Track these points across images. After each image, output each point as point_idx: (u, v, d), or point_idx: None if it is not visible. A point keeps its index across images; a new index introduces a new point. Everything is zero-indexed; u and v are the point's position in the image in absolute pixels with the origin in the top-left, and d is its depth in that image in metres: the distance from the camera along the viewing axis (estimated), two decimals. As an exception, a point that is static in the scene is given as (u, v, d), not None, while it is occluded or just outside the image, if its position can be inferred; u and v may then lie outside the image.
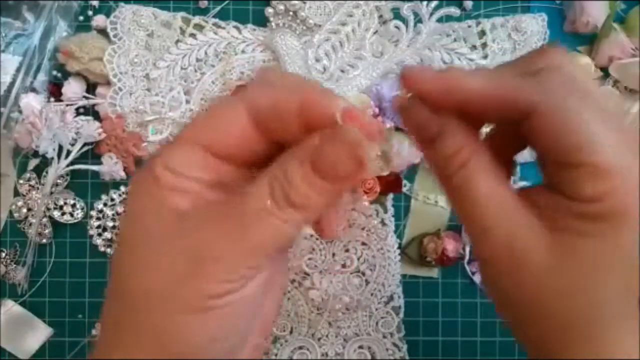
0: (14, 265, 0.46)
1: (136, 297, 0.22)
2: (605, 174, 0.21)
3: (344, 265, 0.45)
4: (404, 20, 0.46)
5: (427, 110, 0.23)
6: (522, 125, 0.22)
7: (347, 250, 0.46)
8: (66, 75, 0.46)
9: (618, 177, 0.21)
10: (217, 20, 0.47)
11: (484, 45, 0.46)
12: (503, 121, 0.24)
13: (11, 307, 0.46)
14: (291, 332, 0.46)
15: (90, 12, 0.47)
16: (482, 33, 0.46)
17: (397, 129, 0.45)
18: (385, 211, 0.46)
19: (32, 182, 0.46)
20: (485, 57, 0.46)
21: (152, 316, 0.21)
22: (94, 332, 0.46)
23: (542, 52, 0.23)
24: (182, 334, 0.21)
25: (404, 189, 0.46)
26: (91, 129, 0.44)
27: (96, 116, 0.46)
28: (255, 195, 0.21)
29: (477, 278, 0.46)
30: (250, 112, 0.22)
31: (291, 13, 0.46)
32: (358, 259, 0.46)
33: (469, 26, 0.46)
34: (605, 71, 0.46)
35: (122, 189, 0.46)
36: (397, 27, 0.46)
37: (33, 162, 0.46)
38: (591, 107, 0.21)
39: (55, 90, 0.46)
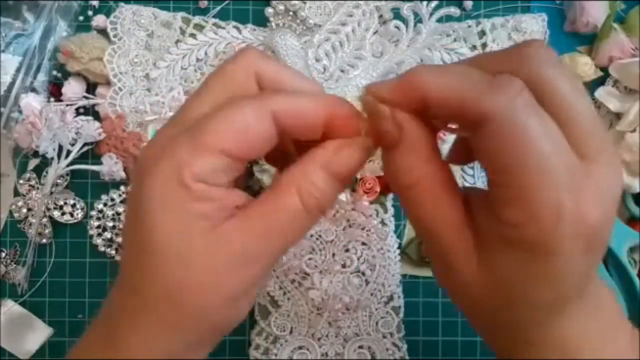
0: (14, 265, 0.46)
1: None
2: (528, 201, 0.20)
3: (344, 265, 0.45)
4: (404, 20, 0.45)
5: (386, 117, 0.24)
6: (473, 134, 0.22)
7: (347, 250, 0.46)
8: (66, 75, 0.46)
9: (542, 209, 0.20)
10: (217, 20, 0.47)
11: (484, 45, 0.46)
12: (460, 124, 0.24)
13: (11, 307, 0.46)
14: (291, 332, 0.46)
15: (90, 12, 0.47)
16: (482, 33, 0.46)
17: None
18: (385, 211, 0.46)
19: (32, 182, 0.46)
20: (485, 57, 0.46)
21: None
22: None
23: (518, 53, 0.22)
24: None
25: (404, 189, 0.46)
26: (91, 129, 0.44)
27: (96, 116, 0.46)
28: (287, 204, 0.24)
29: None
30: (275, 120, 0.24)
31: (291, 13, 0.46)
32: (358, 259, 0.46)
33: (469, 26, 0.46)
34: (605, 71, 0.46)
35: (122, 189, 0.46)
36: (397, 27, 0.46)
37: (33, 162, 0.46)
38: (543, 128, 0.21)
39: (55, 90, 0.46)
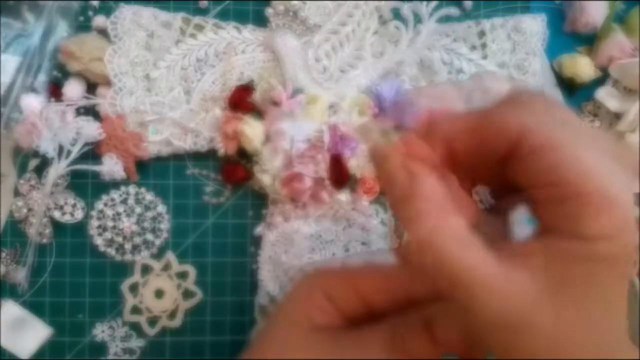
0: (14, 265, 0.46)
1: None
2: (610, 205, 0.19)
3: (344, 265, 0.45)
4: (404, 21, 0.46)
5: (400, 162, 0.24)
6: (509, 163, 0.21)
7: (347, 250, 0.46)
8: (66, 75, 0.46)
9: (622, 207, 0.19)
10: (217, 20, 0.47)
11: (484, 45, 0.46)
12: (489, 159, 0.23)
13: (11, 307, 0.46)
14: (291, 332, 0.45)
15: (90, 13, 0.47)
16: (482, 33, 0.46)
17: (397, 127, 0.45)
18: (386, 211, 0.46)
19: (33, 182, 0.46)
20: (485, 57, 0.46)
21: None
22: (94, 332, 0.46)
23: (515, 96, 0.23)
24: None
25: (404, 189, 0.46)
26: (91, 129, 0.44)
27: (96, 116, 0.46)
28: (375, 344, 0.27)
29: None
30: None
31: (291, 13, 0.46)
32: (358, 259, 0.46)
33: (469, 26, 0.46)
34: (605, 71, 0.46)
35: (122, 188, 0.46)
36: (397, 27, 0.46)
37: (33, 162, 0.46)
38: (581, 135, 0.20)
39: (55, 91, 0.46)
